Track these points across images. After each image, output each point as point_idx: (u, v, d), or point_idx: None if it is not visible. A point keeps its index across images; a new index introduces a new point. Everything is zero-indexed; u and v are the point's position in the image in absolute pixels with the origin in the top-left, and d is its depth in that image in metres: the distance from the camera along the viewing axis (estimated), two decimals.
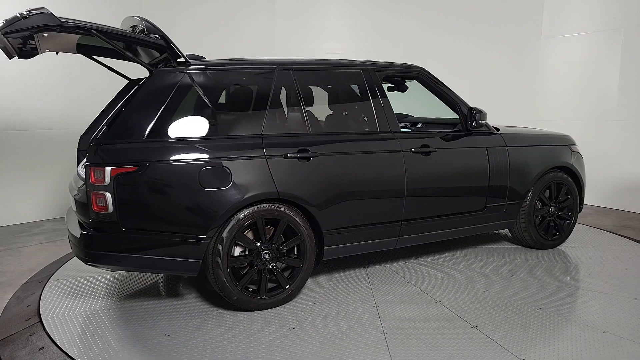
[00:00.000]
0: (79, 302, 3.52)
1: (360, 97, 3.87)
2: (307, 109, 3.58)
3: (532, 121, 7.36)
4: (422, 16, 7.71)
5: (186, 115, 3.28)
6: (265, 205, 3.26)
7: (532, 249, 4.61)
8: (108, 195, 2.92)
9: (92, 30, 2.86)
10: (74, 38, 3.25)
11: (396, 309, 3.32)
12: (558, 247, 4.68)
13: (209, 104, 3.32)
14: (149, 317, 3.27)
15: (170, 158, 3.05)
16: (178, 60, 3.25)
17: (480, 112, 4.04)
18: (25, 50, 3.36)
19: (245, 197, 3.17)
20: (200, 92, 3.28)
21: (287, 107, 3.66)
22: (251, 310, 3.31)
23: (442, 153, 3.93)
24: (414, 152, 3.80)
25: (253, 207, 3.22)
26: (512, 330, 2.98)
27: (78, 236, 3.07)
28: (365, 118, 3.88)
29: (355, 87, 3.91)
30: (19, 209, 6.11)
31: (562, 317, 3.15)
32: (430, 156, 3.87)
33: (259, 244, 3.29)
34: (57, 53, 3.65)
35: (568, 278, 3.89)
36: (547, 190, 4.54)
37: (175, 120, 3.18)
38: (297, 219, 3.36)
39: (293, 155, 3.36)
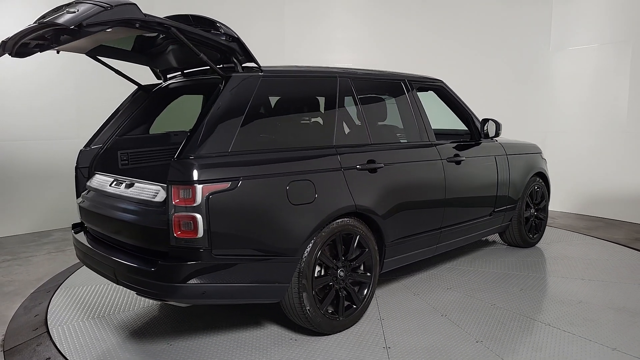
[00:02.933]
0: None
1: (404, 108, 3.90)
2: (366, 119, 3.56)
3: (542, 132, 7.32)
4: (430, 28, 7.73)
5: (264, 125, 3.05)
6: (343, 220, 3.09)
7: (520, 250, 4.82)
8: (199, 217, 2.51)
9: (172, 28, 2.52)
10: (104, 37, 2.86)
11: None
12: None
13: (283, 112, 3.13)
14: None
15: (261, 173, 2.77)
16: (243, 65, 2.94)
17: (498, 123, 4.29)
18: (27, 49, 2.84)
19: (331, 212, 2.99)
20: (275, 100, 3.07)
21: (345, 117, 3.62)
22: (328, 334, 3.09)
23: (467, 162, 4.16)
24: (449, 161, 3.94)
25: (334, 223, 3.04)
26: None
27: (142, 267, 2.64)
28: (410, 128, 3.90)
29: (399, 98, 3.91)
30: (28, 218, 6.15)
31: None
32: (461, 165, 4.07)
33: (334, 262, 3.10)
34: (57, 52, 3.01)
35: (581, 300, 3.82)
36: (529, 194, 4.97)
37: (256, 130, 2.94)
38: (367, 232, 3.25)
39: (363, 166, 3.29)
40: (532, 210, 4.98)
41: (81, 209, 3.38)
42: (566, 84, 7.10)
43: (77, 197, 3.46)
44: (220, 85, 2.82)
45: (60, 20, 2.26)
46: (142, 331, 3.20)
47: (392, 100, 3.94)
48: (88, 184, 3.39)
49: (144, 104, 3.67)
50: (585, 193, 6.94)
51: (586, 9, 6.89)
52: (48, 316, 3.46)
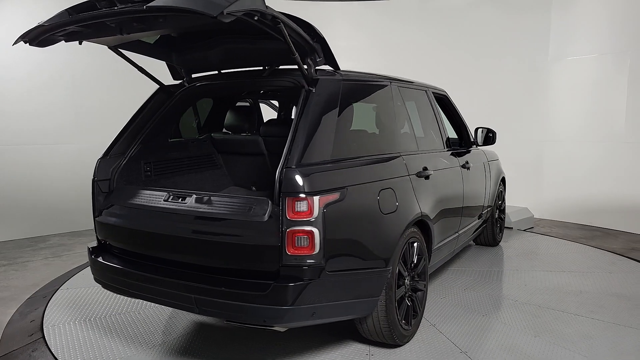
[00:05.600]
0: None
1: (429, 115, 3.98)
2: (414, 126, 3.59)
3: (540, 142, 7.34)
4: (430, 38, 7.77)
5: (349, 131, 2.91)
6: (410, 228, 3.00)
7: (491, 249, 4.95)
8: (316, 232, 2.31)
9: (282, 24, 2.30)
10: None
11: None
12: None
13: (358, 118, 3.02)
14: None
15: (360, 181, 2.65)
16: (316, 68, 2.76)
17: (493, 131, 4.45)
18: (52, 38, 2.58)
19: (409, 220, 2.93)
20: (354, 106, 2.95)
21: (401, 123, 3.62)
22: (400, 346, 2.99)
23: (472, 168, 4.34)
24: (462, 167, 4.12)
25: (407, 231, 2.94)
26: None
27: (247, 291, 2.37)
28: (434, 135, 3.96)
29: (425, 106, 3.96)
30: (24, 223, 6.12)
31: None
32: (470, 170, 4.27)
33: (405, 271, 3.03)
34: (80, 43, 2.74)
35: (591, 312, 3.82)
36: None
37: (345, 136, 2.80)
38: (422, 240, 3.20)
39: (420, 173, 3.28)
40: (497, 212, 5.44)
41: (108, 228, 2.98)
42: (564, 93, 7.14)
43: (96, 215, 3.03)
44: (305, 89, 2.63)
45: (199, 7, 1.97)
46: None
47: (428, 108, 4.03)
48: (117, 198, 2.97)
49: (170, 106, 3.31)
50: (582, 202, 6.95)
51: (585, 19, 6.94)
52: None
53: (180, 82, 3.40)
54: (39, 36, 2.52)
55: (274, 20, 2.25)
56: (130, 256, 2.93)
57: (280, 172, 2.35)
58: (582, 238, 6.03)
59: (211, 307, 2.48)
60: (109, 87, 6.57)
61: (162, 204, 2.72)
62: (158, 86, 3.35)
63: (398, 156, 3.14)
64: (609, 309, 3.65)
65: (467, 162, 4.20)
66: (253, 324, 2.44)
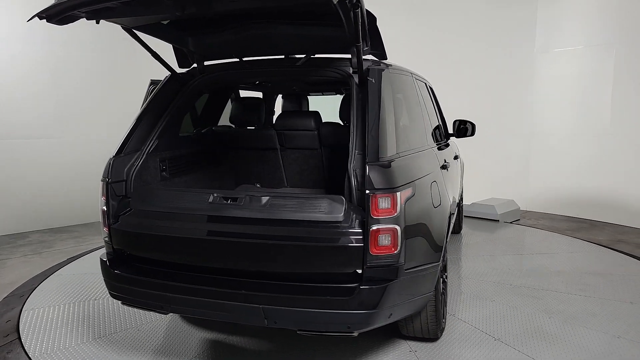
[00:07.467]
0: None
1: (432, 107, 3.94)
2: (430, 118, 3.59)
3: (527, 135, 7.34)
4: (415, 29, 7.70)
5: (400, 124, 2.74)
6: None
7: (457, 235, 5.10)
8: (398, 229, 2.19)
9: (359, 8, 2.13)
10: None
11: None
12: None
13: (402, 110, 2.84)
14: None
15: (422, 175, 2.56)
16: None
17: (473, 124, 4.31)
18: (73, 15, 2.31)
19: (450, 211, 2.94)
20: (399, 98, 2.81)
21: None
22: (435, 340, 2.93)
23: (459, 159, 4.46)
24: (455, 158, 4.21)
25: (450, 223, 2.96)
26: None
27: (328, 297, 2.19)
28: (433, 128, 3.91)
29: (427, 99, 3.92)
30: (3, 220, 5.96)
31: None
32: (457, 161, 4.28)
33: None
34: (97, 22, 2.43)
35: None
36: None
37: (399, 129, 2.64)
38: None
39: (443, 165, 3.29)
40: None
41: (133, 237, 2.62)
42: (551, 85, 7.13)
43: (110, 222, 2.63)
44: (368, 79, 2.47)
45: None
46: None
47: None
48: (143, 202, 2.64)
49: (184, 96, 3.01)
50: (569, 195, 6.97)
51: (571, 11, 6.92)
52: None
53: (188, 70, 3.09)
54: (63, 12, 2.22)
55: (355, 4, 2.07)
56: (164, 267, 2.58)
57: (362, 168, 2.22)
58: (568, 230, 6.04)
59: (284, 317, 2.26)
60: (89, 81, 6.41)
61: (210, 207, 2.44)
62: (150, 81, 3.12)
63: (431, 148, 3.15)
64: (594, 287, 3.92)
65: (456, 154, 4.30)
66: (334, 332, 2.26)
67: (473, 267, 4.47)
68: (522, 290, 3.85)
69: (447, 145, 4.24)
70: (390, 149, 2.37)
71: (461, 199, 5.41)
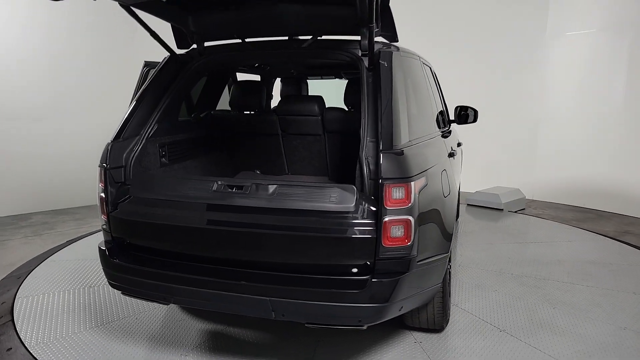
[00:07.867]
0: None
1: (437, 91, 3.86)
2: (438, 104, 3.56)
3: (535, 121, 7.17)
4: (426, 12, 7.52)
5: (411, 110, 2.62)
6: None
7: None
8: (412, 220, 2.12)
9: None
10: None
11: None
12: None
13: (411, 95, 2.71)
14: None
15: (433, 164, 2.49)
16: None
17: (475, 110, 4.13)
18: None
19: (456, 202, 2.97)
20: (409, 83, 2.68)
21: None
22: (440, 331, 2.90)
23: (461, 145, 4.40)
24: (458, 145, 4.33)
25: (458, 213, 2.97)
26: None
27: (340, 290, 2.13)
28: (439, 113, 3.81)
29: (434, 83, 3.85)
30: (6, 201, 6.00)
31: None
32: (459, 147, 4.37)
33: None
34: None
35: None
36: None
37: (411, 115, 2.53)
38: None
39: (450, 153, 3.23)
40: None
41: (133, 225, 2.53)
42: (562, 70, 6.93)
43: (109, 209, 2.54)
44: (380, 63, 2.36)
45: None
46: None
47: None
48: (142, 189, 2.54)
49: (184, 79, 2.90)
50: (576, 184, 6.83)
51: None
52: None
53: (188, 52, 2.97)
54: None
55: None
56: (166, 257, 2.50)
57: (375, 156, 2.14)
58: (574, 220, 5.93)
59: (293, 310, 2.20)
60: (88, 61, 6.37)
61: (214, 196, 2.35)
62: (144, 62, 3.00)
63: (438, 136, 3.05)
64: (595, 276, 3.89)
65: (459, 141, 4.29)
66: (344, 325, 2.21)
67: (472, 255, 4.40)
68: (523, 279, 3.81)
69: (450, 132, 4.13)
70: (403, 137, 2.28)
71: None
